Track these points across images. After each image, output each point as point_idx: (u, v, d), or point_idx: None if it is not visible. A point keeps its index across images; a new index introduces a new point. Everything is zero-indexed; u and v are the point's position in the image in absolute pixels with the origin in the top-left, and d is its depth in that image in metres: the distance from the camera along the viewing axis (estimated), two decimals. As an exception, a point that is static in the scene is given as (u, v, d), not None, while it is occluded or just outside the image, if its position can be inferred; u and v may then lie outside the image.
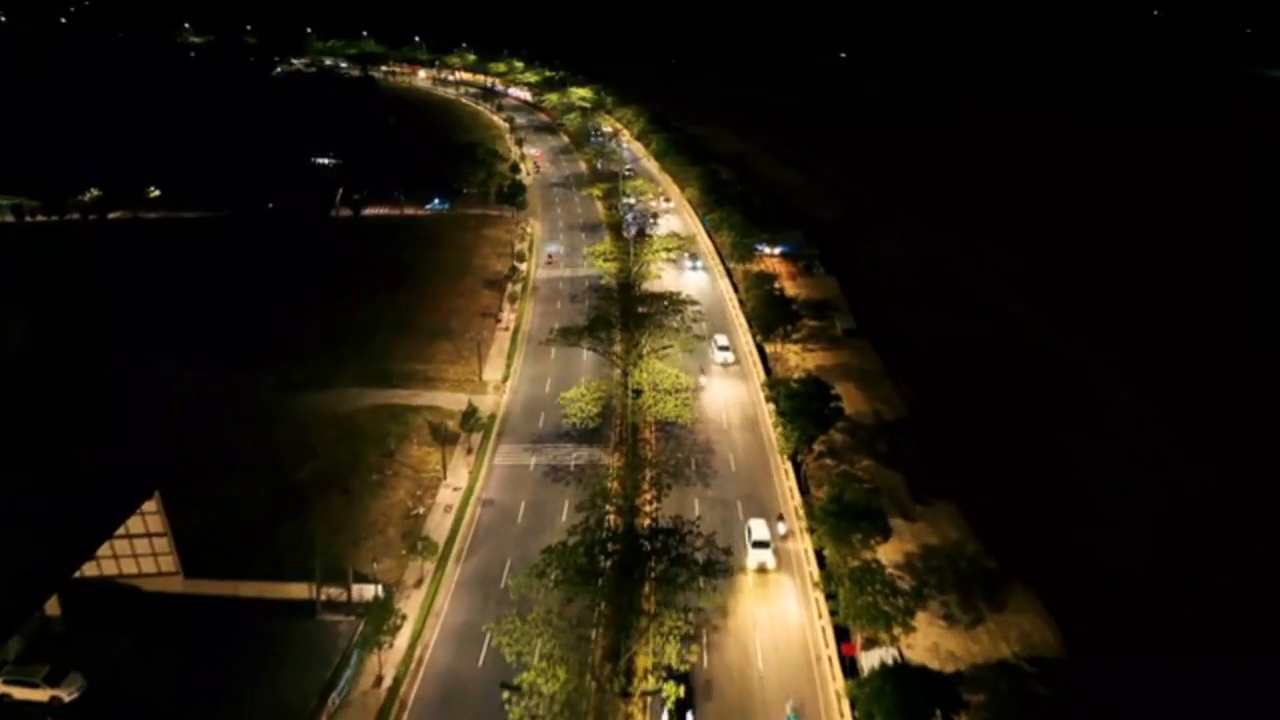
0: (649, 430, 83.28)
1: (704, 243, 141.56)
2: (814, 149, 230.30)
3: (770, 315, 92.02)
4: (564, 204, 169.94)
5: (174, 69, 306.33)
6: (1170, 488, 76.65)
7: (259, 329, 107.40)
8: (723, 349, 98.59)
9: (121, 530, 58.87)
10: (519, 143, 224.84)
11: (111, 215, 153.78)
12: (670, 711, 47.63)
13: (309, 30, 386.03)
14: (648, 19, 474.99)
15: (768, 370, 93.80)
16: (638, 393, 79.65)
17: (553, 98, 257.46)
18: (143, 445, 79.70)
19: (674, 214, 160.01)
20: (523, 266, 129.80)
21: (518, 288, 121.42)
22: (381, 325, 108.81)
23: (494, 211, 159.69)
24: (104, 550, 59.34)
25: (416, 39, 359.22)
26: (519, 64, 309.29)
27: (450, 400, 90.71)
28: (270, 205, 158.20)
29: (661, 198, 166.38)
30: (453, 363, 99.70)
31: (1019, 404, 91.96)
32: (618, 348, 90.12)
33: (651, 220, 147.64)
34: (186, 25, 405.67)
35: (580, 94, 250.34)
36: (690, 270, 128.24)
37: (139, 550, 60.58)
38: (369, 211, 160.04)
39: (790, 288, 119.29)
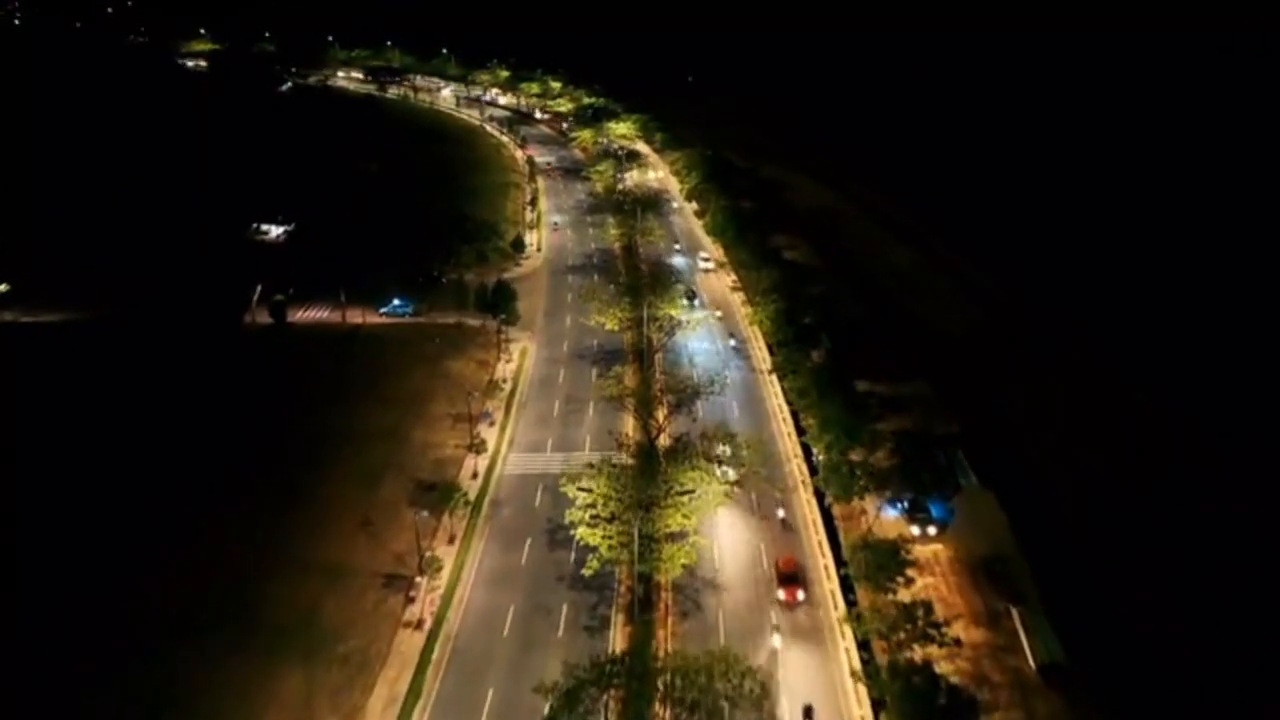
0: None
1: (782, 416, 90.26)
2: (914, 199, 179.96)
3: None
4: (580, 306, 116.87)
5: (151, 87, 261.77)
6: None
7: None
8: None
9: None
10: (521, 143, 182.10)
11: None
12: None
13: (330, 39, 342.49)
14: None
15: None
16: None
17: (585, 135, 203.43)
18: None
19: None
20: (476, 469, 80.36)
21: (461, 515, 72.32)
22: (196, 616, 60.61)
23: (473, 321, 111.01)
24: None
25: (444, 51, 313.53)
26: (555, 83, 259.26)
27: None
28: (126, 309, 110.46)
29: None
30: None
31: None
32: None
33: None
34: (202, 31, 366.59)
35: (620, 130, 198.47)
36: None
37: None
38: (299, 316, 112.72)
39: (927, 543, 68.44)
